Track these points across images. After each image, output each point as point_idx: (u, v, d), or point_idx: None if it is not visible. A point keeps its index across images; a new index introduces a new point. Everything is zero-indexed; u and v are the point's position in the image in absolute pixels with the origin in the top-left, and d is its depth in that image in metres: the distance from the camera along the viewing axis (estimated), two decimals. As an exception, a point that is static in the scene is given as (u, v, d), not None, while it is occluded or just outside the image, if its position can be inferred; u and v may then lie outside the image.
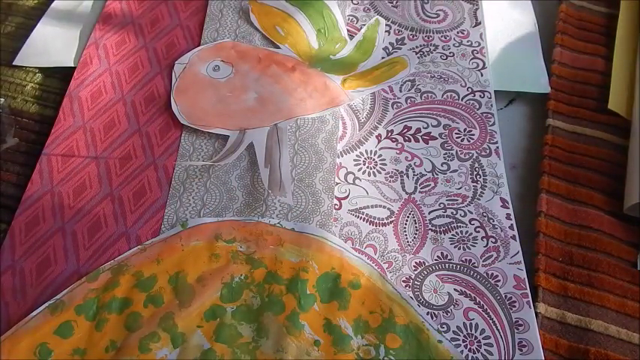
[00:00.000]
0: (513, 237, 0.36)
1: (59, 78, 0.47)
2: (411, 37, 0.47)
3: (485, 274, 0.34)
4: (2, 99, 0.44)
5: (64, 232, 0.37)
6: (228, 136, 0.41)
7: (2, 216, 0.38)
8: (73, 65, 0.46)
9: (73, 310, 0.33)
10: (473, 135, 0.41)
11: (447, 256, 0.35)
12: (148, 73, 0.45)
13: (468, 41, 0.47)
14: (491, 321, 0.32)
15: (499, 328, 0.32)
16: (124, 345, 0.31)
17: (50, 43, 0.48)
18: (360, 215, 0.37)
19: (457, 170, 0.39)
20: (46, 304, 0.33)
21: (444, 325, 0.32)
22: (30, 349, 0.31)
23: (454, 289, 0.34)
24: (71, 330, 0.32)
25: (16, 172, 0.41)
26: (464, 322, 0.32)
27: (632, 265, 0.35)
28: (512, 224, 0.36)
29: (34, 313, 0.32)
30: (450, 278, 0.34)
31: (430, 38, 0.47)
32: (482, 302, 0.33)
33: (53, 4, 0.52)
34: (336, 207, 0.38)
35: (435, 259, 0.35)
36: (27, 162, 0.41)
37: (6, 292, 0.34)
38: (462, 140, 0.41)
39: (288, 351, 0.31)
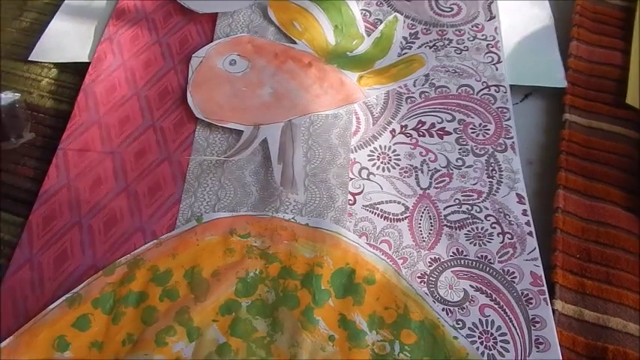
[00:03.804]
0: (530, 233, 0.35)
1: (74, 73, 0.47)
2: (424, 31, 0.47)
3: (501, 271, 0.34)
4: (18, 94, 0.44)
5: (81, 226, 0.37)
6: (243, 131, 0.41)
7: (20, 210, 0.39)
8: (87, 61, 0.46)
9: (90, 303, 0.33)
10: (488, 130, 0.41)
11: (462, 252, 0.35)
12: (161, 68, 0.45)
13: (482, 35, 0.46)
14: (507, 318, 0.32)
15: (515, 325, 0.32)
16: (141, 338, 0.32)
17: (65, 39, 0.48)
18: (375, 211, 0.37)
19: (472, 165, 0.39)
20: (64, 298, 0.33)
21: (459, 322, 0.32)
22: (48, 341, 0.32)
23: (470, 286, 0.34)
24: (88, 323, 0.32)
25: (33, 166, 0.41)
26: (480, 319, 0.32)
27: (650, 262, 0.34)
28: (528, 220, 0.36)
29: (52, 306, 0.33)
30: (466, 274, 0.34)
31: (444, 32, 0.47)
32: (498, 299, 0.33)
33: (67, 1, 0.52)
34: (350, 202, 0.38)
35: (451, 255, 0.35)
36: (43, 156, 0.41)
37: (24, 285, 0.35)
38: (478, 135, 0.41)
39: (303, 346, 0.31)
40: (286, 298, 0.33)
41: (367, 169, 0.39)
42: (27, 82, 0.47)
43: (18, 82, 0.47)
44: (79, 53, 0.47)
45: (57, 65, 0.47)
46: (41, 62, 0.47)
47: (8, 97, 0.43)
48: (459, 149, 0.40)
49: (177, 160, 0.40)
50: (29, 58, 0.47)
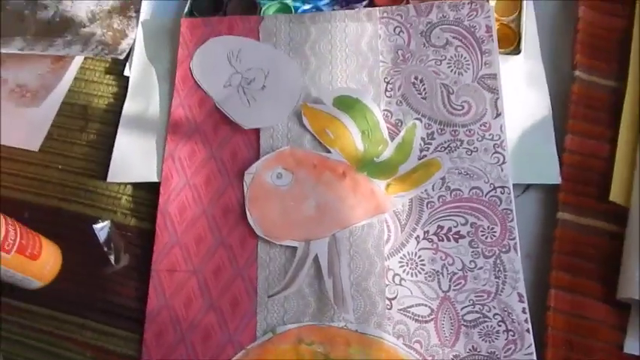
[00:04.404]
0: (527, 330, 0.46)
1: (146, 189, 0.56)
2: (439, 131, 0.54)
3: (505, 364, 0.46)
4: (108, 220, 0.53)
5: (185, 342, 0.49)
6: (296, 247, 0.51)
7: (133, 327, 0.50)
8: (156, 180, 0.55)
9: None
10: (495, 232, 0.50)
11: (476, 348, 0.46)
12: (220, 186, 0.54)
13: (489, 134, 0.53)
14: (509, 406, 0.44)
15: (515, 410, 0.44)
16: None
17: (132, 158, 0.57)
18: (407, 314, 0.48)
19: (482, 267, 0.49)
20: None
21: (475, 407, 0.45)
22: None
23: (482, 377, 0.45)
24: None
25: (134, 287, 0.52)
26: (489, 405, 0.44)
27: (619, 347, 0.45)
28: (526, 318, 0.47)
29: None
30: (479, 367, 0.46)
31: (456, 133, 0.54)
32: (503, 388, 0.45)
33: (124, 111, 0.59)
34: (388, 307, 0.48)
35: (467, 352, 0.46)
36: (139, 277, 0.52)
37: (155, 394, 0.47)
38: (486, 238, 0.50)
39: None
40: (348, 395, 0.45)
41: (399, 275, 0.50)
42: (109, 200, 0.56)
43: (102, 200, 0.56)
44: (148, 173, 0.56)
45: (130, 182, 0.56)
46: (118, 182, 0.56)
47: (103, 225, 0.53)
48: (472, 252, 0.50)
49: (248, 276, 0.51)
50: (107, 180, 0.56)
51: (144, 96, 0.60)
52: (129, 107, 0.59)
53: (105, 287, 0.52)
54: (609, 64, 0.55)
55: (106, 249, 0.52)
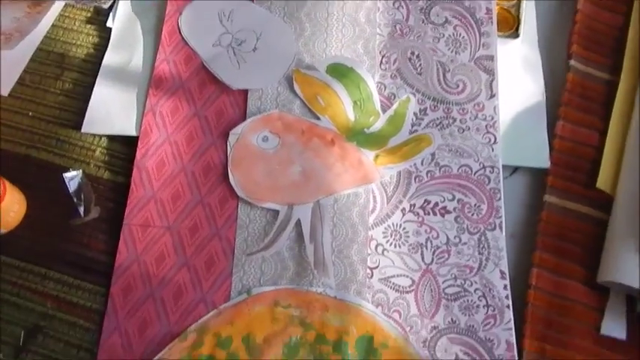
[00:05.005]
0: (508, 306, 0.46)
1: (123, 142, 0.53)
2: (432, 107, 0.54)
3: (484, 338, 0.45)
4: (80, 171, 0.50)
5: (154, 298, 0.46)
6: (279, 211, 0.49)
7: (100, 280, 0.47)
8: (135, 134, 0.52)
9: (173, 366, 0.43)
10: (481, 210, 0.50)
11: (455, 321, 0.45)
12: (202, 144, 0.52)
13: (482, 115, 0.53)
14: (487, 378, 0.44)
15: (492, 383, 0.43)
16: (215, 395, 0.42)
17: (110, 109, 0.54)
18: (388, 284, 0.47)
19: (467, 243, 0.48)
20: (153, 362, 0.43)
21: (451, 380, 0.44)
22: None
23: (460, 350, 0.44)
24: (174, 382, 0.43)
25: (103, 240, 0.49)
26: (466, 378, 0.44)
27: (596, 329, 0.45)
28: (507, 294, 0.46)
29: (145, 370, 0.43)
30: (457, 340, 0.45)
31: (449, 110, 0.53)
32: (480, 362, 0.44)
33: (105, 62, 0.56)
34: (369, 276, 0.47)
35: (447, 324, 0.45)
36: (110, 230, 0.49)
37: (117, 348, 0.44)
38: (472, 215, 0.49)
39: (337, 401, 0.42)
40: (322, 361, 0.44)
41: (382, 245, 0.48)
42: (82, 151, 0.53)
43: (74, 151, 0.53)
44: (126, 126, 0.53)
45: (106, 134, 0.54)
46: (93, 133, 0.53)
47: (74, 175, 0.50)
48: (457, 227, 0.49)
49: (226, 236, 0.48)
50: (82, 131, 0.53)
51: (126, 49, 0.57)
52: (110, 58, 0.57)
53: (72, 239, 0.49)
54: (604, 58, 0.56)
55: (75, 199, 0.49)
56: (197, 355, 0.44)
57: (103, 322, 0.45)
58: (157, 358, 0.43)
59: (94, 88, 0.55)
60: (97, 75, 0.55)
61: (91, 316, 0.46)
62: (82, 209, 0.49)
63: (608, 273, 0.46)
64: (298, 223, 0.48)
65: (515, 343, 0.44)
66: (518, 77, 0.56)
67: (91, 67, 0.57)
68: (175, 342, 0.44)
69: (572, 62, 0.55)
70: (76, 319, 0.46)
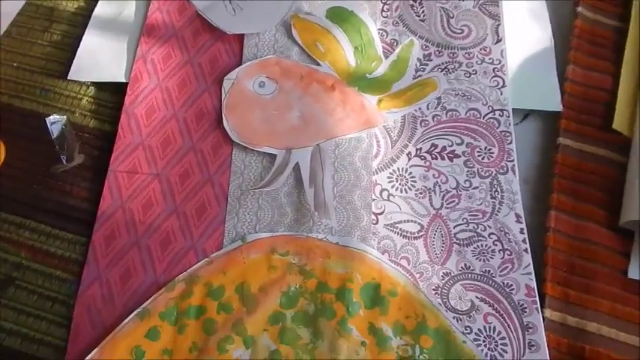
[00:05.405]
0: (525, 250, 0.42)
1: (112, 91, 0.50)
2: (437, 52, 0.51)
3: (501, 284, 0.41)
4: (64, 116, 0.47)
5: (139, 246, 0.42)
6: (276, 155, 0.46)
7: (81, 230, 0.43)
8: (124, 80, 0.50)
9: (158, 316, 0.39)
10: (492, 153, 0.46)
11: (469, 267, 0.42)
12: (195, 90, 0.49)
13: (489, 59, 0.50)
14: (506, 324, 0.39)
15: (513, 330, 0.39)
16: (204, 347, 0.38)
17: (99, 57, 0.51)
18: (395, 229, 0.43)
19: (478, 187, 0.45)
20: (135, 312, 0.39)
21: (467, 328, 0.39)
22: (127, 350, 0.38)
23: (476, 297, 0.40)
24: (158, 334, 0.39)
25: (86, 187, 0.45)
26: (484, 325, 0.39)
27: (623, 273, 0.41)
28: (524, 238, 0.42)
29: (126, 320, 0.39)
30: (472, 287, 0.41)
31: (455, 55, 0.51)
32: (499, 308, 0.40)
33: (95, 12, 0.54)
34: (374, 222, 0.43)
35: (460, 270, 0.42)
36: (94, 177, 0.46)
37: (96, 299, 0.40)
38: (483, 158, 0.46)
39: (341, 351, 0.38)
40: (324, 309, 0.39)
41: (387, 190, 0.45)
42: (68, 100, 0.50)
43: (59, 100, 0.50)
44: (116, 72, 0.50)
45: (95, 82, 0.51)
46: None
47: (57, 119, 0.46)
48: (467, 171, 0.46)
49: (219, 182, 0.45)
50: (68, 77, 0.50)
51: (118, 0, 0.55)
52: (101, 9, 0.54)
53: (53, 187, 0.45)
54: (613, 6, 0.54)
55: (57, 146, 0.46)
56: (185, 306, 0.40)
57: (82, 273, 0.41)
58: (139, 309, 0.39)
59: (84, 37, 0.52)
60: (86, 27, 0.53)
61: (69, 266, 0.42)
62: (65, 157, 0.46)
63: (631, 213, 0.42)
64: (297, 168, 0.45)
65: (535, 287, 0.40)
66: (524, 24, 0.53)
67: (81, 19, 0.54)
68: (161, 292, 0.40)
69: (580, 9, 0.53)
70: (52, 270, 0.42)
